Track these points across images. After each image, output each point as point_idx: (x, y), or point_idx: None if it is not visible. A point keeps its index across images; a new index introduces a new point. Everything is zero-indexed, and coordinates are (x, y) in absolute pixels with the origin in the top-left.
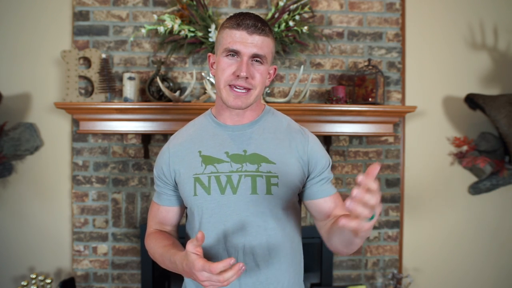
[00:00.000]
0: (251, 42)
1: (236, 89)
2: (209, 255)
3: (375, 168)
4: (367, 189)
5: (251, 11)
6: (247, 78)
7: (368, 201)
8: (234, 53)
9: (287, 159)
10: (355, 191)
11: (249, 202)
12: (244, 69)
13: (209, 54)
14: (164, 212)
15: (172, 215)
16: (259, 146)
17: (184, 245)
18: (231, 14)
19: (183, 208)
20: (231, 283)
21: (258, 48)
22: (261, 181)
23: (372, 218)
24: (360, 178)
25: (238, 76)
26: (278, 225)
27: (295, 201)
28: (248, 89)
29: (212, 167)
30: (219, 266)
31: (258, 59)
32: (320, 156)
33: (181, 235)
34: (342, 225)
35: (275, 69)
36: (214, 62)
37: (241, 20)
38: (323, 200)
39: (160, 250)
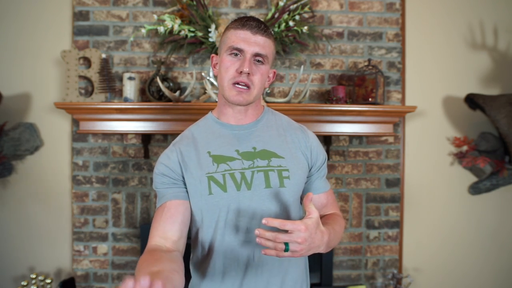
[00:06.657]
0: (254, 41)
1: (238, 86)
2: (226, 251)
3: (307, 198)
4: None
5: (251, 11)
6: (248, 74)
7: (270, 238)
8: (238, 51)
9: (293, 153)
10: (256, 231)
11: (264, 196)
12: (247, 65)
13: (212, 55)
14: (172, 209)
15: (182, 210)
16: (267, 142)
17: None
18: (233, 15)
19: (190, 211)
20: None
21: (261, 47)
22: (273, 175)
23: (287, 249)
24: (264, 221)
25: (241, 72)
26: (290, 218)
27: (300, 195)
28: (249, 87)
29: (225, 165)
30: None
31: (260, 59)
32: (320, 151)
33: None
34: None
35: (274, 72)
36: (217, 63)
37: (246, 21)
38: (318, 196)
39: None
